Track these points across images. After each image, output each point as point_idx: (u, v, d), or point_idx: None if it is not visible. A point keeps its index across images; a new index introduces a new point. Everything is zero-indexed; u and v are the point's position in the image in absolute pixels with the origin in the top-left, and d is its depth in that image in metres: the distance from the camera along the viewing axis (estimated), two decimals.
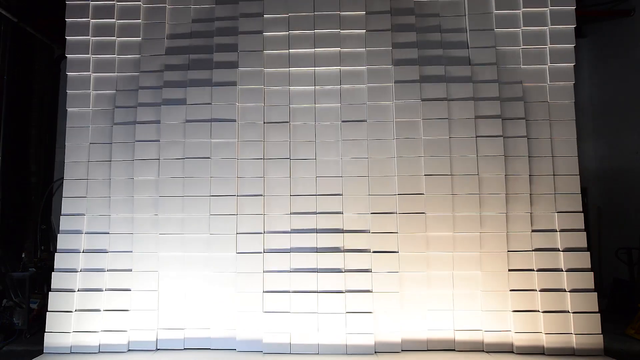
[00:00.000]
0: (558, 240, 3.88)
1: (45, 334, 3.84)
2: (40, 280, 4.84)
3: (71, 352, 3.80)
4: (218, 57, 4.18)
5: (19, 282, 4.49)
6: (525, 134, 3.99)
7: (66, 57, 4.25)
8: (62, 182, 4.17)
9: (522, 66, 4.10)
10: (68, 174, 4.13)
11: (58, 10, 4.97)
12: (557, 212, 3.92)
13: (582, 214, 3.93)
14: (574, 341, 3.69)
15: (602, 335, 3.70)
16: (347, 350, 3.76)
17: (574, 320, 3.72)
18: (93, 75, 4.23)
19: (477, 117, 4.01)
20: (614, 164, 5.36)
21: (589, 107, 5.68)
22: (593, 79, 5.70)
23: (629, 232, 5.06)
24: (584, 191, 4.17)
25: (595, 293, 3.76)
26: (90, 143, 4.16)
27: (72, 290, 3.91)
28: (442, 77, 4.08)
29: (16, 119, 4.98)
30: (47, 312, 3.88)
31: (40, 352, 3.79)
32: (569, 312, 3.74)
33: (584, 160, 5.25)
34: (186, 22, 4.28)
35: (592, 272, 3.80)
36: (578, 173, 3.98)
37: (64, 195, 4.11)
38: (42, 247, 5.09)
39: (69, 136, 4.18)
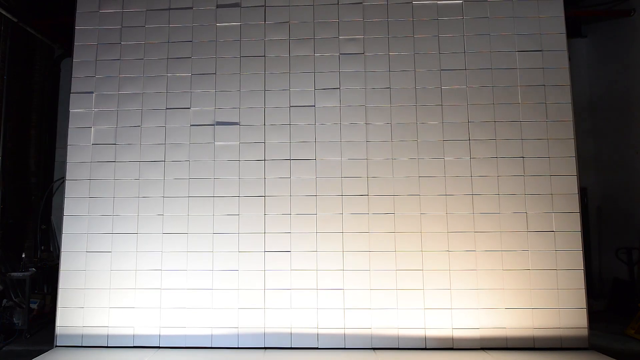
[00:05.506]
0: (554, 240, 3.91)
1: (56, 327, 3.93)
2: (40, 280, 4.85)
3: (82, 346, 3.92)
4: (220, 61, 4.21)
5: (19, 282, 4.50)
6: (521, 135, 4.03)
7: (73, 60, 4.27)
8: (62, 182, 4.19)
9: (517, 69, 4.12)
10: (70, 174, 4.14)
11: (58, 11, 4.99)
12: (554, 213, 3.94)
13: (579, 214, 3.95)
14: (561, 335, 3.80)
15: (587, 329, 3.80)
16: (346, 344, 3.82)
17: (562, 316, 3.82)
18: (97, 77, 4.25)
19: (471, 120, 4.07)
20: (614, 164, 5.37)
21: (589, 107, 5.69)
22: (593, 78, 5.71)
23: (629, 232, 5.07)
24: (583, 191, 4.19)
25: (584, 290, 3.84)
26: (93, 144, 4.18)
27: (80, 289, 3.98)
28: (438, 81, 4.11)
29: (16, 119, 4.99)
30: (58, 309, 3.96)
31: (41, 351, 3.81)
32: (558, 308, 3.83)
33: (584, 160, 5.26)
34: (188, 26, 4.29)
35: (583, 271, 3.87)
36: (576, 174, 4.00)
37: (66, 196, 4.12)
38: (42, 247, 5.10)
39: (71, 137, 4.19)
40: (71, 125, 4.21)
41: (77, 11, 4.32)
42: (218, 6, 4.29)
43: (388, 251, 3.93)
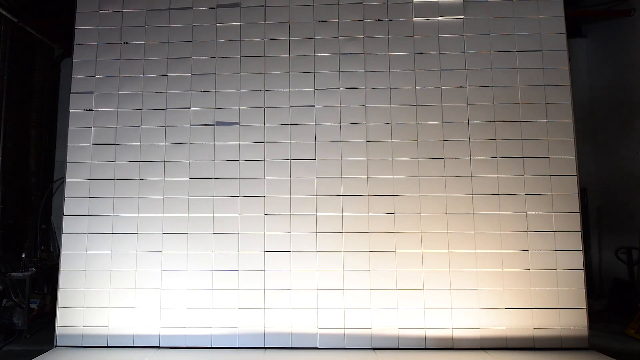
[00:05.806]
0: (554, 240, 3.92)
1: (56, 327, 3.93)
2: (40, 280, 4.85)
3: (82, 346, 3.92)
4: (220, 61, 4.21)
5: (19, 282, 4.50)
6: (521, 135, 4.03)
7: (73, 60, 4.27)
8: (62, 182, 4.19)
9: (517, 69, 4.12)
10: (70, 174, 4.14)
11: (58, 11, 4.99)
12: (554, 213, 3.94)
13: (579, 214, 3.95)
14: (561, 335, 3.81)
15: (587, 329, 3.80)
16: (346, 344, 3.82)
17: (562, 316, 3.82)
18: (97, 77, 4.26)
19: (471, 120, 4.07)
20: (614, 164, 5.37)
21: (589, 107, 5.69)
22: (593, 78, 5.71)
23: (629, 232, 5.07)
24: (584, 191, 4.19)
25: (584, 290, 3.84)
26: (93, 144, 4.18)
27: (80, 289, 3.98)
28: (438, 81, 4.12)
29: (16, 119, 4.99)
30: (58, 309, 3.96)
31: (41, 351, 3.81)
32: (558, 308, 3.83)
33: (584, 160, 5.26)
34: (188, 26, 4.29)
35: (583, 271, 3.87)
36: (576, 174, 4.00)
37: (66, 196, 4.12)
38: (42, 247, 5.10)
39: (71, 137, 4.19)
40: (71, 125, 4.21)
41: (77, 11, 4.33)
42: (218, 6, 4.29)
43: (388, 251, 3.93)
